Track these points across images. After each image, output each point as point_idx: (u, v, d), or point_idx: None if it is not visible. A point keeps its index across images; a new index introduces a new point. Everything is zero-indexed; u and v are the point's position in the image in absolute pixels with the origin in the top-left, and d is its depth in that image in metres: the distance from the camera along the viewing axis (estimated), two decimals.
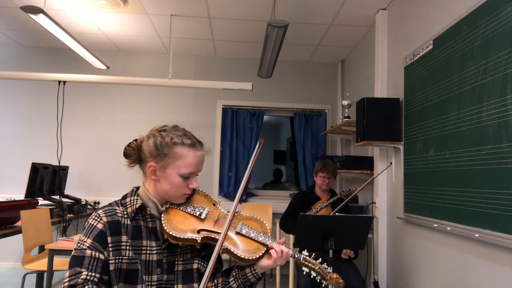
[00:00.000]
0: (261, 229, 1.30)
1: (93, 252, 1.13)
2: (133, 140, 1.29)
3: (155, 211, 1.26)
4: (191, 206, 1.29)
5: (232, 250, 1.20)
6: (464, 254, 2.22)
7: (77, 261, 1.12)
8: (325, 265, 1.35)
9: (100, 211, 1.21)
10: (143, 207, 1.24)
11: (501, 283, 1.91)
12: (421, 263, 2.71)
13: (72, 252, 1.15)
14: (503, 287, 1.89)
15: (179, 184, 1.24)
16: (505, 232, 1.81)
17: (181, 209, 1.27)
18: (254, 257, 1.21)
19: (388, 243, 3.29)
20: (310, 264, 1.31)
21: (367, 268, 3.57)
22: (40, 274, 3.49)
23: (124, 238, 1.19)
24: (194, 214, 1.27)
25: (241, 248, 1.22)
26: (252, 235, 1.26)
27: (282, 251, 1.23)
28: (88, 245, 1.14)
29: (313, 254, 1.35)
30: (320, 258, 1.36)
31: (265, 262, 1.23)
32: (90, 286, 1.08)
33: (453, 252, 2.32)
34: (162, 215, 1.24)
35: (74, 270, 1.10)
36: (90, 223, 1.18)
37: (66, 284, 1.08)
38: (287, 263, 3.84)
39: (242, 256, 1.20)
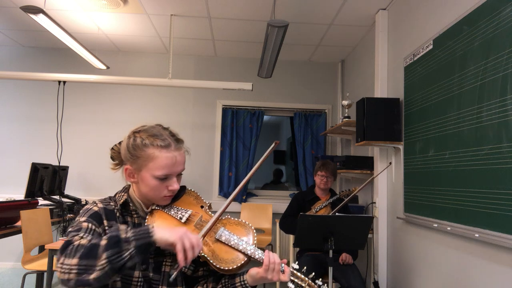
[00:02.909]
0: (245, 235, 1.21)
1: (89, 224, 1.14)
2: (118, 143, 1.28)
3: (141, 212, 1.26)
4: (175, 209, 1.25)
5: (208, 259, 1.14)
6: (464, 254, 2.22)
7: (74, 231, 1.11)
8: (319, 282, 1.19)
9: (96, 200, 1.24)
10: (126, 202, 1.24)
11: (501, 283, 1.90)
12: (421, 263, 2.71)
13: (69, 229, 1.15)
14: (503, 287, 1.89)
15: (156, 186, 1.20)
16: (505, 232, 1.81)
17: (165, 211, 1.24)
18: (231, 268, 1.13)
19: (388, 243, 3.29)
20: (296, 280, 1.17)
21: (367, 268, 3.57)
22: (40, 274, 3.49)
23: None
24: (176, 217, 1.23)
25: (218, 257, 1.15)
26: (232, 242, 1.17)
27: (275, 262, 1.14)
28: (84, 220, 1.15)
29: (304, 267, 1.21)
30: (313, 273, 1.21)
31: (254, 271, 1.17)
32: (83, 236, 1.08)
33: (453, 252, 2.32)
34: (147, 217, 1.22)
35: (72, 234, 1.10)
36: (86, 207, 1.20)
37: (63, 243, 1.04)
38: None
39: (218, 266, 1.13)
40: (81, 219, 1.15)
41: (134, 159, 1.20)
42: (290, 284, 1.16)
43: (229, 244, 1.17)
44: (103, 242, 0.99)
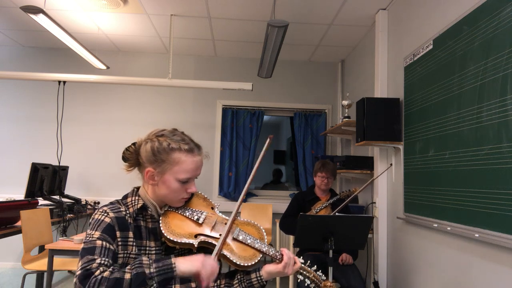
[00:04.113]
0: (257, 235, 1.30)
1: (104, 242, 1.12)
2: (132, 144, 1.28)
3: (155, 213, 1.27)
4: (189, 210, 1.29)
5: (228, 256, 1.21)
6: (464, 254, 2.22)
7: (88, 251, 1.10)
8: (319, 273, 1.36)
9: (105, 208, 1.21)
10: (144, 207, 1.25)
11: (501, 283, 1.91)
12: (421, 263, 2.72)
13: (82, 246, 1.13)
14: (503, 287, 1.89)
15: (177, 189, 1.24)
16: (505, 232, 1.81)
17: (179, 212, 1.27)
18: (249, 264, 1.21)
19: (388, 243, 3.29)
20: (305, 272, 1.32)
21: (367, 268, 3.57)
22: (40, 274, 3.49)
23: (130, 234, 1.19)
24: (192, 218, 1.26)
25: (237, 254, 1.22)
26: (248, 241, 1.26)
27: (291, 257, 1.26)
28: (97, 236, 1.13)
29: (308, 261, 1.37)
30: (316, 266, 1.37)
31: (272, 268, 1.24)
32: (104, 268, 1.06)
33: (453, 252, 2.32)
34: (161, 218, 1.24)
35: (87, 258, 1.09)
36: (97, 218, 1.18)
37: (80, 271, 1.06)
38: None
39: (238, 263, 1.20)
40: (95, 235, 1.13)
41: (159, 162, 1.22)
42: (299, 276, 1.32)
43: (246, 243, 1.26)
44: (127, 276, 1.05)
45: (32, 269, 3.07)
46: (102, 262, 1.08)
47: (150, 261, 1.09)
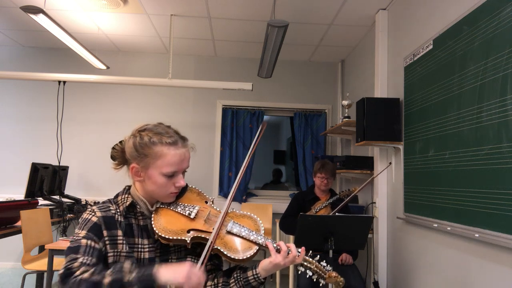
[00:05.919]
0: (253, 227, 1.26)
1: (89, 241, 1.12)
2: (118, 142, 1.28)
3: (145, 210, 1.26)
4: (181, 205, 1.27)
5: (222, 251, 1.18)
6: (464, 254, 2.22)
7: (73, 250, 1.11)
8: (323, 263, 1.30)
9: (94, 207, 1.22)
10: (133, 205, 1.24)
11: (501, 283, 1.90)
12: (421, 263, 2.71)
13: (68, 245, 1.14)
14: (503, 287, 1.89)
15: (164, 183, 1.21)
16: (505, 232, 1.81)
17: (171, 208, 1.25)
18: (245, 257, 1.18)
19: (388, 243, 3.29)
20: (305, 263, 1.26)
21: (367, 268, 3.57)
22: (40, 274, 3.49)
23: (119, 232, 1.19)
24: (184, 213, 1.24)
25: (231, 248, 1.19)
26: (243, 234, 1.22)
27: (283, 249, 1.19)
28: (83, 235, 1.14)
29: (310, 252, 1.31)
30: (318, 256, 1.32)
31: (266, 263, 1.19)
32: (85, 268, 1.07)
33: (453, 252, 2.32)
34: (153, 215, 1.22)
35: (70, 257, 1.09)
36: (84, 217, 1.19)
37: (62, 270, 1.07)
38: None
39: (233, 257, 1.17)
40: (80, 234, 1.14)
41: (141, 157, 1.20)
42: (300, 267, 1.26)
43: (241, 235, 1.22)
44: (106, 281, 1.03)
45: (32, 269, 3.07)
46: (85, 261, 1.08)
47: (133, 267, 1.08)
